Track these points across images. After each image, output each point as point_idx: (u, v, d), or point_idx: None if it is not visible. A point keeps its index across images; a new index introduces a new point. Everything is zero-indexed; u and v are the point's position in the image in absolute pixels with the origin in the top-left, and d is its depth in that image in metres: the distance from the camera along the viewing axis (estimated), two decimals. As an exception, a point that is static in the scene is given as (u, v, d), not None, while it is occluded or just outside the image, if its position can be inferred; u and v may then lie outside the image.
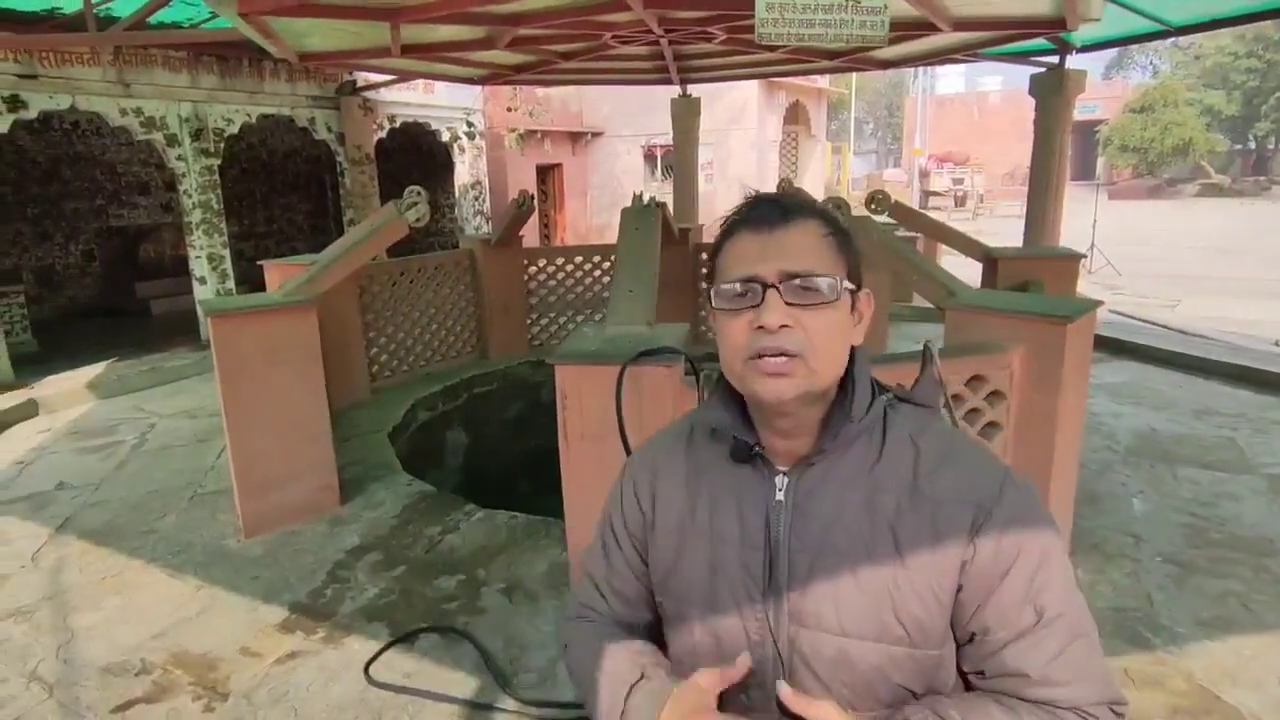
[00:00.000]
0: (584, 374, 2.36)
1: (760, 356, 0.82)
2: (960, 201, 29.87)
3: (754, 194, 0.95)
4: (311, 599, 2.96)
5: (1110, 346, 6.38)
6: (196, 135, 7.32)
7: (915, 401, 0.94)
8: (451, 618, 2.79)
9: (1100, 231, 13.68)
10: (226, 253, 7.69)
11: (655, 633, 1.02)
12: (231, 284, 7.72)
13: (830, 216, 0.89)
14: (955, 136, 38.29)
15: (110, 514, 3.79)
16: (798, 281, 0.82)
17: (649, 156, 16.79)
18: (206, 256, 7.52)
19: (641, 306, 2.75)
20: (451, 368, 6.03)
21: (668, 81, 6.97)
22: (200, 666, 2.56)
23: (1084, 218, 13.76)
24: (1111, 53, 46.50)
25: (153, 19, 4.66)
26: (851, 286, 0.85)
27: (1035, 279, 4.16)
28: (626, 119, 16.21)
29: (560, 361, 2.38)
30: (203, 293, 7.52)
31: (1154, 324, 8.40)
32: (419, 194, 4.20)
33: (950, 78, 42.97)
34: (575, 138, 16.34)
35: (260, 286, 5.35)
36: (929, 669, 0.85)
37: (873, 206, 4.53)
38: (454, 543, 3.33)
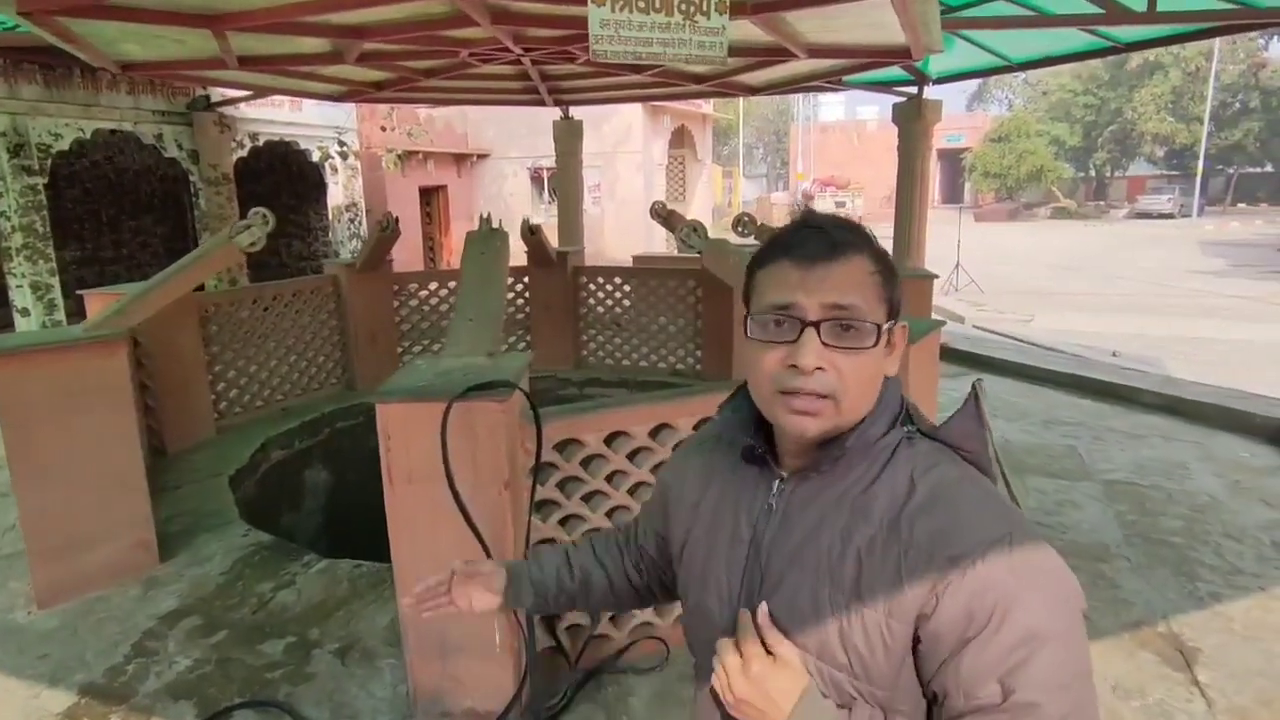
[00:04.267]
0: (408, 412, 2.16)
1: (791, 393, 0.82)
2: (843, 223, 31.32)
3: (801, 214, 0.92)
4: (108, 678, 2.57)
5: (968, 360, 6.72)
6: (16, 151, 6.57)
7: (939, 439, 0.87)
8: (273, 688, 2.49)
9: (966, 251, 14.61)
10: (55, 281, 6.92)
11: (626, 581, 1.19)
12: (61, 315, 6.95)
13: (879, 251, 0.86)
14: (837, 162, 40.38)
15: None
16: (839, 324, 0.81)
17: (536, 178, 16.64)
18: (30, 285, 6.73)
19: (483, 336, 2.58)
20: (312, 401, 5.61)
21: (541, 103, 6.86)
22: (-49, 775, 2.16)
23: (952, 238, 14.67)
24: (973, 87, 50.45)
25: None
26: (889, 323, 0.84)
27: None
28: (513, 141, 16.02)
29: (382, 399, 2.17)
30: (25, 325, 6.72)
31: (1010, 337, 8.96)
32: (265, 218, 3.87)
33: (832, 106, 45.28)
34: (460, 159, 15.97)
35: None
36: (875, 704, 0.83)
37: (739, 229, 4.55)
38: (287, 600, 3.01)
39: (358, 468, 5.61)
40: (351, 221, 10.96)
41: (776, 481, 0.90)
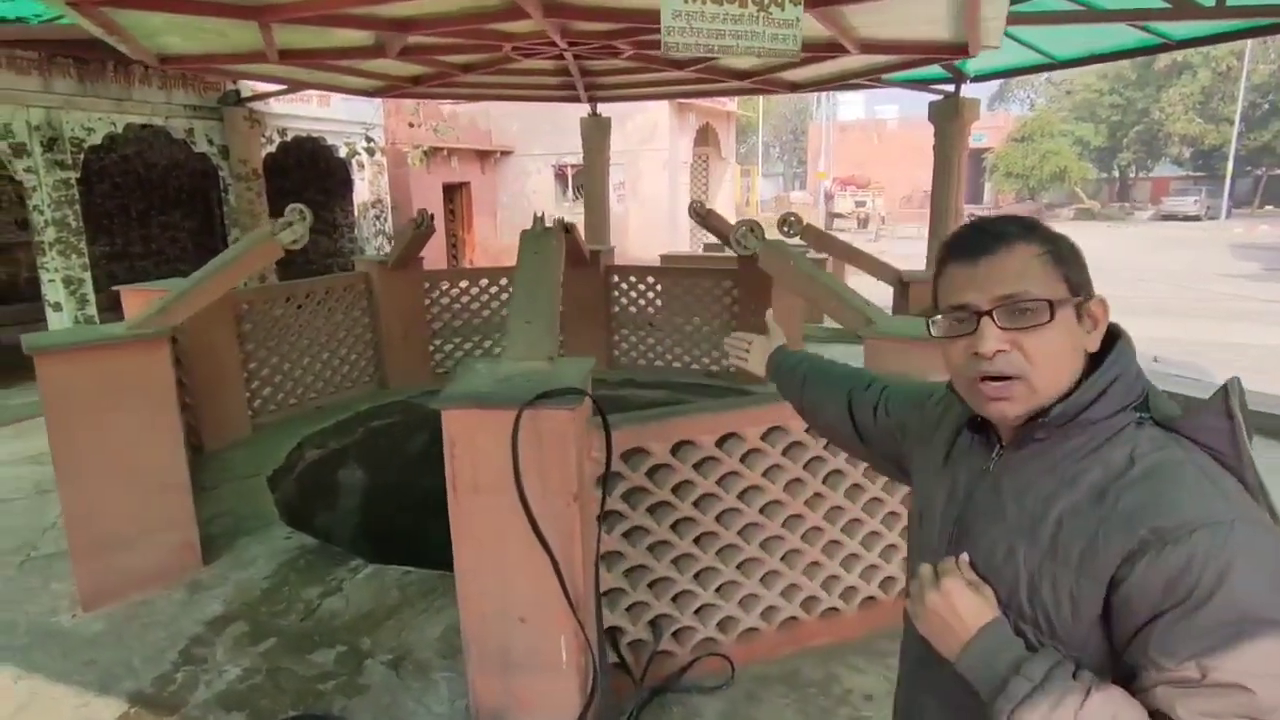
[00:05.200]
0: (475, 419, 2.07)
1: (983, 380, 0.88)
2: (863, 223, 31.07)
3: (968, 220, 0.99)
4: (157, 687, 2.51)
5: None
6: (49, 145, 6.55)
7: (1174, 428, 0.85)
8: (327, 701, 2.41)
9: (993, 252, 14.34)
10: (88, 275, 6.90)
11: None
12: (93, 310, 6.93)
13: (1047, 234, 0.89)
14: (856, 161, 39.99)
15: (-87, 589, 3.18)
16: (1012, 307, 0.85)
17: (560, 176, 16.56)
18: (62, 280, 6.72)
19: (541, 339, 2.48)
20: (345, 400, 5.56)
21: (576, 99, 6.77)
22: (2, 787, 2.09)
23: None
24: (994, 86, 49.89)
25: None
26: (1074, 299, 0.86)
27: (945, 302, 4.14)
28: (537, 137, 15.94)
29: (447, 405, 2.08)
30: (58, 320, 6.72)
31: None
32: (301, 213, 3.79)
33: (851, 105, 44.87)
34: (484, 156, 15.92)
35: (133, 311, 4.77)
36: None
37: (785, 229, 4.43)
38: (335, 607, 2.94)
39: (393, 468, 5.55)
40: (377, 218, 10.91)
41: (996, 449, 0.95)
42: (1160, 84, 36.35)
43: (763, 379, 1.61)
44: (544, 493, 2.07)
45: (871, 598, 2.78)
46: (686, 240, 16.56)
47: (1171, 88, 35.53)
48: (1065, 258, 0.88)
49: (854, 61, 4.84)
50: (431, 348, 6.18)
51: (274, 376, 5.12)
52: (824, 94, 30.24)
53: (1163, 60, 34.34)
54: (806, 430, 2.55)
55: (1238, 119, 32.46)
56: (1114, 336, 0.90)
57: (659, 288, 6.33)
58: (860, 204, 32.72)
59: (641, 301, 6.40)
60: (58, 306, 6.72)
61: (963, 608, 0.87)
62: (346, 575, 3.16)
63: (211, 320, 4.43)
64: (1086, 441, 0.86)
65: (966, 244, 0.91)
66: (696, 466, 2.44)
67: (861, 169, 38.34)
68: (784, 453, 2.53)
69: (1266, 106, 35.46)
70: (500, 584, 2.17)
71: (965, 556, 0.92)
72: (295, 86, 6.61)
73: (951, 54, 4.22)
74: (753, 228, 3.30)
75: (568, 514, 2.11)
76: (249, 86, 8.17)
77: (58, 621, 2.92)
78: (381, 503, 5.34)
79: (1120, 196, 42.38)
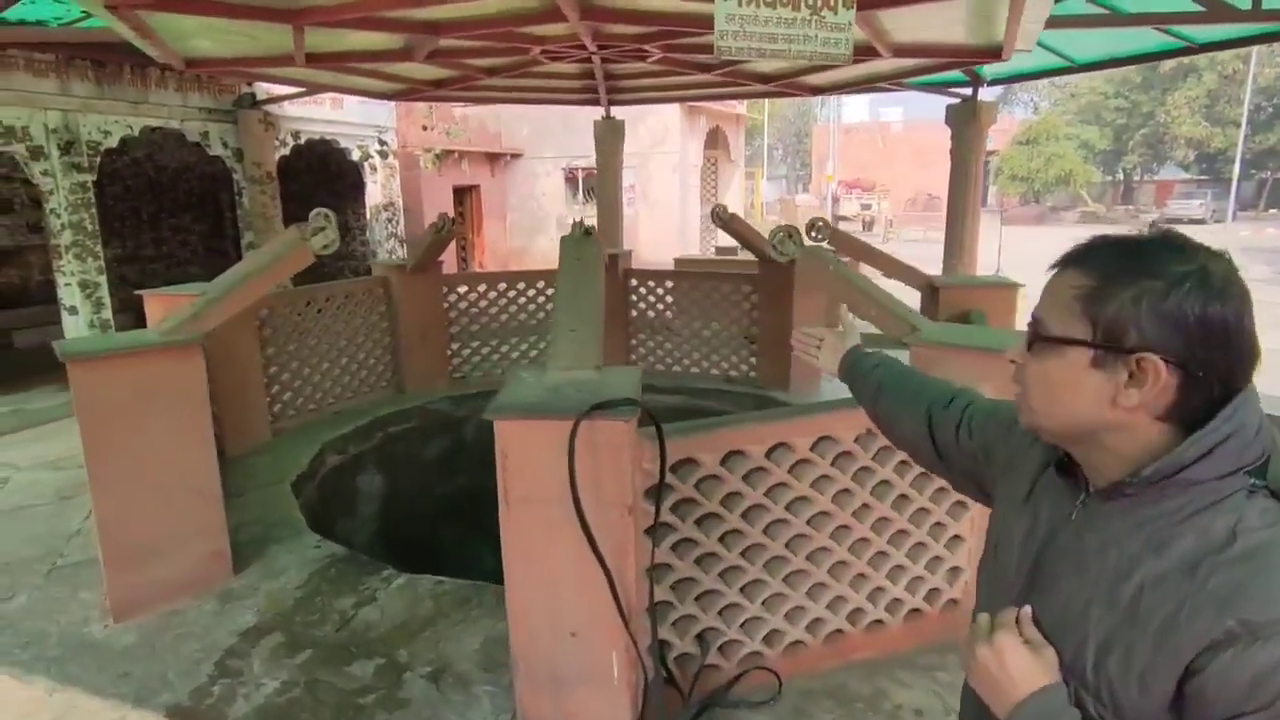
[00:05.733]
0: (528, 429, 2.03)
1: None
2: (868, 225, 31.04)
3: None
4: (194, 700, 2.47)
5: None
6: (66, 148, 6.53)
7: None
8: (368, 715, 2.37)
9: (1004, 256, 14.33)
10: (103, 279, 6.88)
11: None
12: (109, 313, 6.91)
13: (1102, 270, 0.82)
14: (861, 164, 39.97)
15: (-60, 598, 3.15)
16: (1031, 327, 0.88)
17: (570, 179, 16.53)
18: (79, 284, 6.69)
19: (588, 347, 2.44)
20: (363, 405, 5.52)
21: (594, 102, 6.74)
22: (45, 805, 2.05)
23: (986, 242, 14.37)
24: (999, 89, 49.83)
25: (9, 14, 4.06)
26: (1097, 346, 0.80)
27: (976, 309, 4.10)
28: (547, 140, 15.92)
29: (500, 415, 2.04)
30: (74, 324, 6.69)
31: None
32: (327, 218, 3.75)
33: (855, 107, 44.83)
34: (494, 159, 15.90)
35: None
36: None
37: (813, 234, 4.39)
38: (371, 617, 2.90)
39: (412, 474, 5.51)
40: (389, 221, 10.89)
41: (1083, 494, 0.89)
42: (1166, 87, 36.30)
43: (833, 374, 1.56)
44: (598, 504, 2.03)
45: (917, 610, 2.73)
46: (697, 244, 16.53)
47: (1177, 91, 35.49)
48: (1102, 297, 0.79)
49: (881, 65, 4.82)
50: (449, 352, 6.15)
51: (293, 381, 5.08)
52: (829, 96, 30.26)
53: (1168, 63, 34.24)
54: (855, 440, 2.51)
55: (1244, 122, 32.40)
56: (1233, 395, 0.79)
57: (678, 292, 6.29)
58: (866, 207, 32.71)
59: (660, 306, 6.37)
60: (73, 310, 6.69)
61: (1014, 667, 0.82)
62: (379, 585, 3.12)
63: (234, 325, 4.38)
64: (1185, 504, 0.78)
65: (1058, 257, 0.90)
66: (745, 477, 2.40)
67: (866, 172, 38.33)
68: (833, 462, 2.49)
69: (1271, 110, 35.41)
70: (551, 597, 2.13)
71: (1028, 610, 0.87)
72: (316, 89, 6.59)
73: (984, 58, 4.19)
74: (790, 233, 3.26)
75: (621, 526, 2.07)
76: (264, 89, 8.15)
77: (89, 632, 2.88)
78: (398, 507, 5.30)
79: (1125, 200, 42.29)
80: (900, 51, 4.08)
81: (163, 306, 4.44)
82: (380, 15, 3.16)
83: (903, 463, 2.57)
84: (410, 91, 5.81)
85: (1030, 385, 0.87)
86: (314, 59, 4.20)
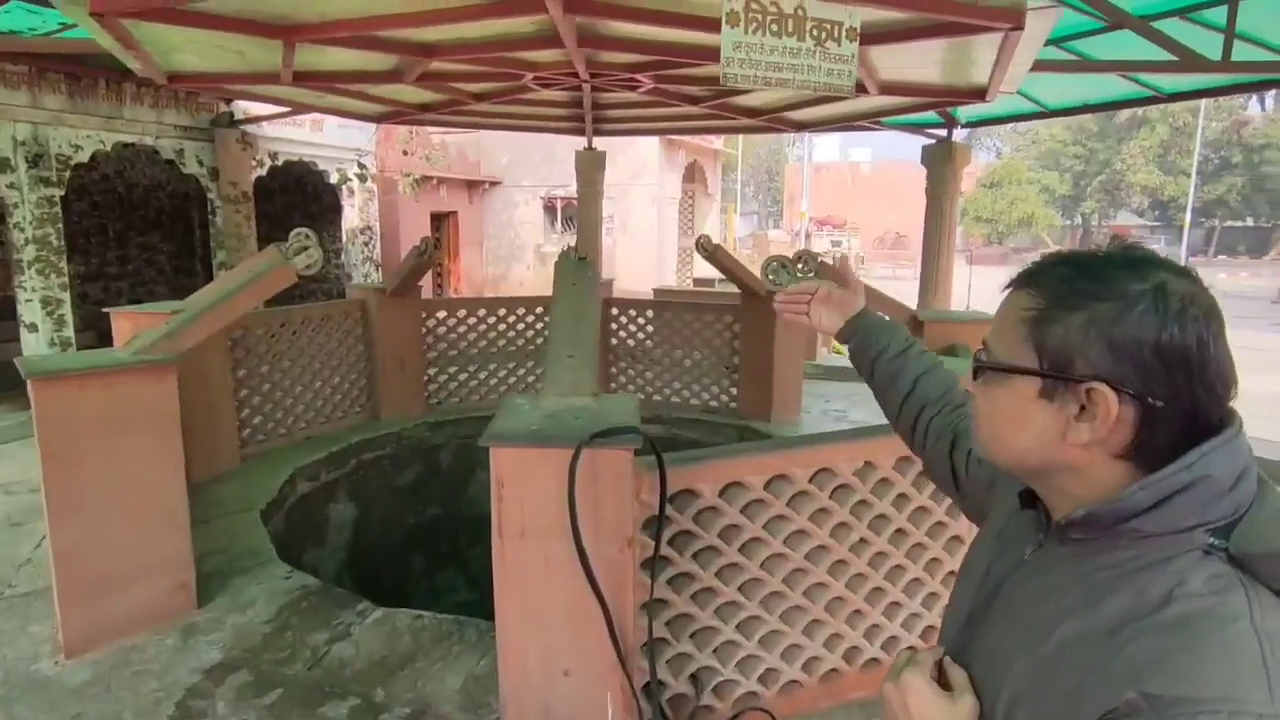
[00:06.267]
0: (528, 457, 1.96)
1: None
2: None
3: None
4: (155, 744, 2.30)
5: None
6: (35, 161, 6.34)
7: (1254, 570, 0.65)
8: (345, 760, 2.23)
9: (973, 294, 14.64)
10: (66, 296, 6.64)
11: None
12: (70, 332, 6.66)
13: (1051, 291, 0.74)
14: (831, 202, 40.83)
15: (-125, 631, 2.92)
16: (977, 354, 0.81)
17: (549, 207, 16.57)
18: (40, 300, 6.45)
19: (584, 375, 2.38)
20: (336, 430, 5.36)
21: (579, 132, 6.76)
22: None
23: (957, 280, 14.69)
24: (964, 133, 51.52)
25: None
26: (1044, 375, 0.72)
27: (961, 343, 4.13)
28: (526, 169, 15.97)
29: (497, 443, 1.97)
30: (33, 342, 6.43)
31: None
32: (308, 237, 3.67)
33: (825, 146, 45.91)
34: (472, 186, 15.88)
35: (109, 333, 4.56)
36: None
37: (800, 266, 4.41)
38: (345, 654, 2.75)
39: (384, 503, 5.35)
40: (366, 245, 10.76)
41: (1040, 534, 0.82)
42: (1121, 136, 37.89)
43: (832, 335, 1.35)
44: (597, 537, 1.96)
45: (912, 648, 2.68)
46: (673, 275, 16.62)
47: (1132, 140, 37.04)
48: (1049, 323, 0.72)
49: (862, 103, 4.90)
50: (426, 377, 6.02)
51: (264, 405, 4.92)
52: (800, 135, 30.92)
53: (1124, 113, 35.82)
54: (854, 473, 2.47)
55: (1194, 172, 33.87)
56: (1208, 433, 0.69)
57: (659, 321, 6.27)
58: (836, 244, 33.32)
59: (640, 335, 6.34)
60: (33, 327, 6.44)
61: (917, 711, 0.77)
62: (354, 619, 2.98)
63: (205, 345, 4.23)
64: (1133, 558, 0.69)
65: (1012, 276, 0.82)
66: (743, 509, 2.34)
67: (835, 210, 39.14)
68: (831, 495, 2.45)
69: (1218, 161, 37.08)
70: (544, 634, 2.04)
71: (947, 658, 0.83)
72: (299, 109, 6.51)
73: (968, 98, 4.28)
74: (784, 264, 3.26)
75: (620, 560, 2.00)
76: (242, 109, 8.05)
77: (39, 669, 2.69)
78: (369, 536, 5.13)
79: (1083, 243, 43.76)
80: (887, 89, 4.16)
81: (131, 325, 4.28)
82: (373, 35, 3.13)
83: (901, 496, 2.54)
84: (395, 114, 5.77)
85: (979, 416, 0.81)
86: (301, 77, 4.14)
